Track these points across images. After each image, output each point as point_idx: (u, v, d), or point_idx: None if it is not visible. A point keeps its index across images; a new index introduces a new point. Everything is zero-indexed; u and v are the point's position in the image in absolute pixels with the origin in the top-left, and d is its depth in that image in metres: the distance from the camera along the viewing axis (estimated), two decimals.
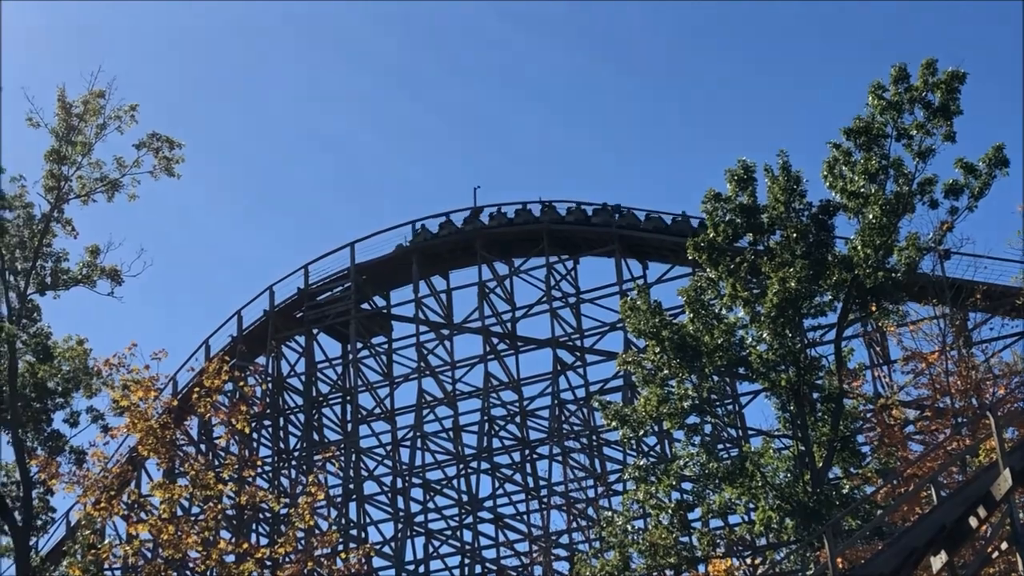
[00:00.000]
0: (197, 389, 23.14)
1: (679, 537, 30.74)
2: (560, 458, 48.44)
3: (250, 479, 27.55)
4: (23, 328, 35.29)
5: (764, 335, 29.68)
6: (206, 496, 22.31)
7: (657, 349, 29.86)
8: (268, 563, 26.49)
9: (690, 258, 31.67)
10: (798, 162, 30.52)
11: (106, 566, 43.21)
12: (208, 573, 22.20)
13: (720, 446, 35.21)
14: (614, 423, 30.81)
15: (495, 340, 51.03)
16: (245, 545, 23.20)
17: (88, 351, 36.18)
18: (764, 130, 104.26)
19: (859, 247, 29.28)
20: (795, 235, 29.88)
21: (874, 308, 30.43)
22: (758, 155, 35.32)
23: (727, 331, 29.84)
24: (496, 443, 50.18)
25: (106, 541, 26.84)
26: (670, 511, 30.22)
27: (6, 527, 34.02)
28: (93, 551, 27.34)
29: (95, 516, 22.83)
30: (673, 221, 48.68)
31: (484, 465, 49.36)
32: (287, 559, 25.45)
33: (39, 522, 34.85)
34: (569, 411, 50.10)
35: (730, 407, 41.34)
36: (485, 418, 49.74)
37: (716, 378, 31.29)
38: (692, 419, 30.32)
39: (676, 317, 32.44)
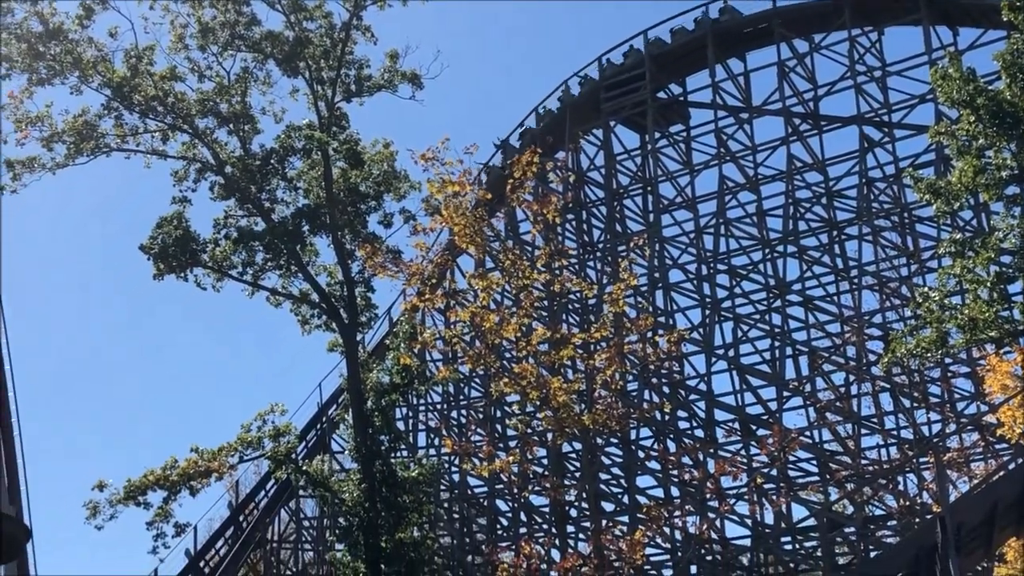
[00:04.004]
0: (510, 180, 23.54)
1: (999, 311, 29.64)
2: (870, 237, 47.23)
3: (558, 271, 28.06)
4: (333, 136, 36.44)
5: None
6: (521, 285, 22.87)
7: (972, 118, 28.41)
8: (580, 351, 27.11)
9: (1005, 20, 29.72)
10: None
11: (427, 357, 45.40)
12: (526, 359, 22.90)
13: None
14: (927, 197, 29.72)
15: (797, 121, 49.72)
16: (561, 332, 23.74)
17: (394, 153, 37.14)
18: None
19: None
20: None
21: None
22: None
23: None
24: (802, 226, 49.32)
25: (427, 331, 28.02)
26: (989, 285, 29.12)
27: (335, 325, 35.75)
28: (417, 341, 28.60)
29: (418, 304, 23.76)
30: None
31: (790, 248, 48.68)
32: (600, 345, 26.00)
33: (363, 319, 36.43)
34: (878, 189, 48.62)
35: None
36: (790, 201, 48.86)
37: None
38: (1012, 189, 28.96)
39: (991, 84, 30.65)
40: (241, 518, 53.14)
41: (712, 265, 49.50)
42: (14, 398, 50.45)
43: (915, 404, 45.50)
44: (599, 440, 43.61)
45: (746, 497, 42.03)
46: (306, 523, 55.48)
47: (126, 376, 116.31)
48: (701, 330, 48.51)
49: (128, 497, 34.11)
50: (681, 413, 48.17)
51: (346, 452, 41.64)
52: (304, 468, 35.46)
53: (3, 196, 34.36)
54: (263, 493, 53.53)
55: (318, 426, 53.34)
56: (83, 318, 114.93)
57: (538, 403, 24.62)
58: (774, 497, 42.93)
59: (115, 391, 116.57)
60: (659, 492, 47.15)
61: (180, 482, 34.41)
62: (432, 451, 52.45)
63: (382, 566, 30.72)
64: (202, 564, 51.75)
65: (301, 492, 50.34)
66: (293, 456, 35.64)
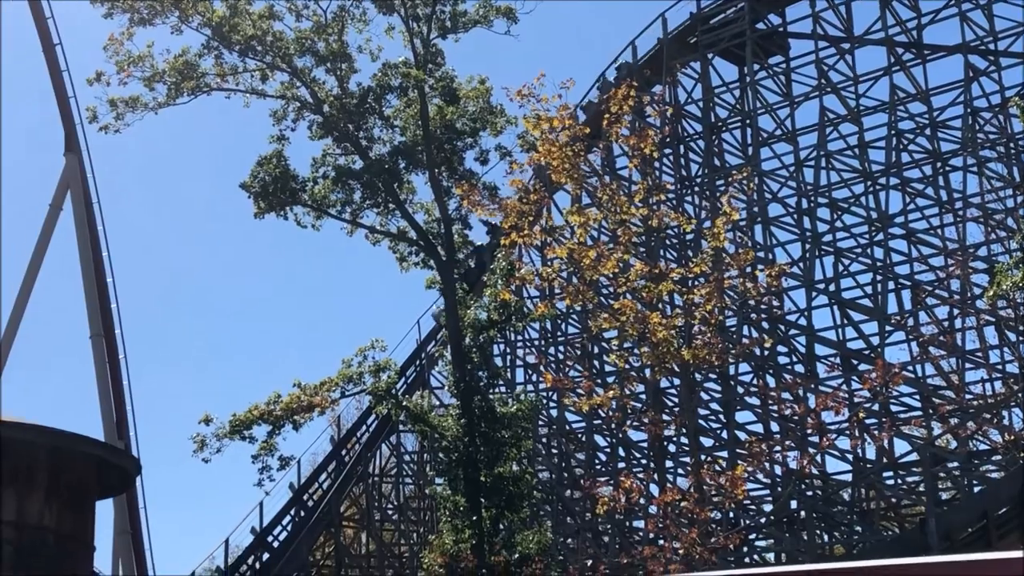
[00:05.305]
0: (607, 116, 23.38)
1: None
2: (975, 168, 46.27)
3: (656, 206, 27.85)
4: (429, 73, 36.35)
5: None
6: (619, 221, 22.76)
7: None
8: (679, 286, 26.96)
9: None
10: None
11: (524, 293, 45.49)
12: (624, 295, 22.82)
13: None
14: None
15: (900, 50, 48.67)
16: (659, 268, 23.61)
17: (490, 89, 36.98)
18: None
19: None
20: None
21: None
22: None
23: None
24: (905, 157, 48.43)
25: (525, 268, 28.00)
26: None
27: (432, 262, 35.88)
28: (515, 277, 28.58)
29: (518, 241, 23.75)
30: None
31: (893, 180, 47.85)
32: (699, 280, 25.84)
33: (460, 256, 36.49)
34: (983, 119, 47.52)
35: None
36: (892, 132, 47.94)
37: None
38: None
39: None
40: (343, 452, 54.04)
41: (812, 198, 48.83)
42: (121, 335, 51.63)
43: (1021, 338, 44.71)
44: (698, 375, 43.46)
45: (847, 432, 41.70)
46: (407, 457, 56.19)
47: (229, 313, 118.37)
48: (801, 264, 47.98)
49: (234, 431, 34.67)
50: (781, 348, 47.77)
51: (445, 388, 42.00)
52: (404, 403, 35.80)
53: (107, 134, 34.95)
54: (364, 428, 54.33)
55: (417, 362, 53.86)
56: (186, 256, 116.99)
57: (636, 339, 24.57)
58: (876, 432, 42.52)
59: (218, 327, 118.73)
60: (759, 427, 46.95)
61: (284, 417, 34.88)
62: (530, 387, 52.68)
63: (482, 500, 30.99)
64: (305, 497, 52.79)
65: (401, 427, 50.96)
66: (393, 391, 35.95)
